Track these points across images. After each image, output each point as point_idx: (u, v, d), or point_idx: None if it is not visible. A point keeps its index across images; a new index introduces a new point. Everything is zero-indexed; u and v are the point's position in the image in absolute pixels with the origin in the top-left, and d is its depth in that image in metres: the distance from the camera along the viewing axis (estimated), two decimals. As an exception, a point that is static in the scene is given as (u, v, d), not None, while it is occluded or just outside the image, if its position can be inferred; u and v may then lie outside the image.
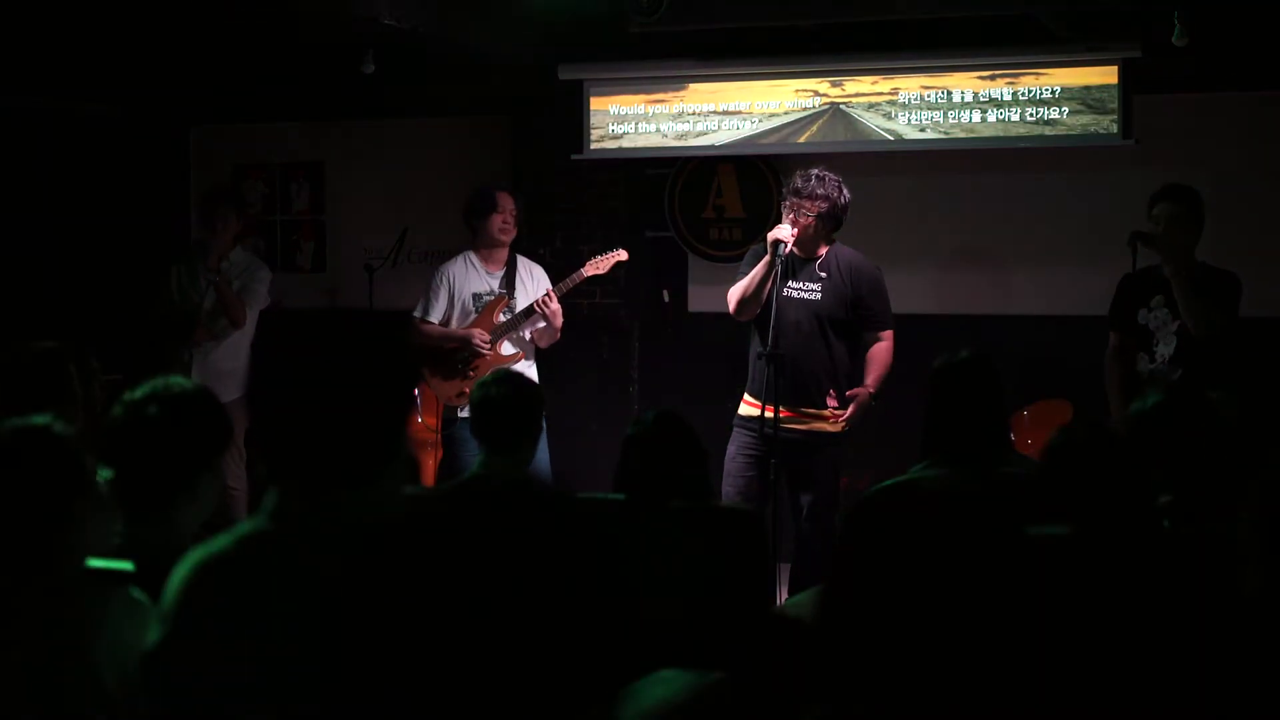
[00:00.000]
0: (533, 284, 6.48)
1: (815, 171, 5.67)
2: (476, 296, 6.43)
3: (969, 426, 3.76)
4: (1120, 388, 5.46)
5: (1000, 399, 3.82)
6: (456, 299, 6.44)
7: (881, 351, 5.67)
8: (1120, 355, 5.55)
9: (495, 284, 6.44)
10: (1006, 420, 3.91)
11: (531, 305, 6.33)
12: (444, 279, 6.48)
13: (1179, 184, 5.57)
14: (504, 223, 6.42)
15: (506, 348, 6.39)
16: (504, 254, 6.48)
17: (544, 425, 6.28)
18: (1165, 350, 5.44)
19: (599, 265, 6.45)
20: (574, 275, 6.40)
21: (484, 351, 6.33)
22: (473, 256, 6.51)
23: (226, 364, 6.69)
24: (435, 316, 6.44)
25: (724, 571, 3.69)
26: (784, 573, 5.62)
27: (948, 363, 3.85)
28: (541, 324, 6.41)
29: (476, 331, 6.35)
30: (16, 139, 7.94)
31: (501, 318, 6.38)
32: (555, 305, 6.31)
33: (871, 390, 5.60)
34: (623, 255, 6.52)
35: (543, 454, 6.16)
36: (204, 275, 6.74)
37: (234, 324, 6.69)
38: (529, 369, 6.38)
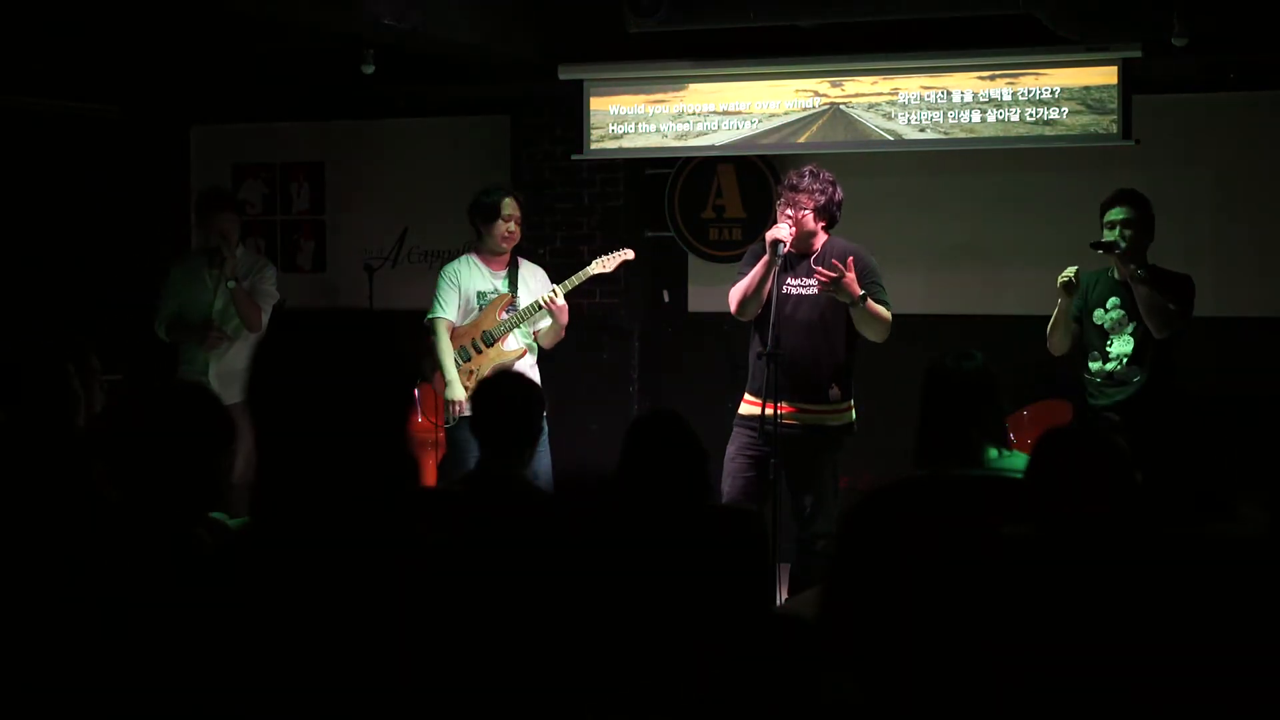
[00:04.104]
0: (535, 284, 6.48)
1: (809, 168, 5.71)
2: (480, 295, 6.43)
3: (963, 428, 3.75)
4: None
5: (995, 399, 3.81)
6: (462, 297, 6.45)
7: (879, 308, 5.60)
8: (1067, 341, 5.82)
9: (499, 283, 6.45)
10: (1003, 421, 3.90)
11: (535, 303, 6.33)
12: (452, 277, 6.49)
13: (1130, 189, 5.78)
14: (508, 231, 6.41)
15: (510, 344, 6.39)
16: (506, 255, 6.50)
17: (545, 429, 6.32)
18: (1122, 349, 5.71)
19: (605, 264, 6.45)
20: (580, 273, 6.39)
21: (482, 347, 6.34)
22: (475, 258, 6.50)
23: (242, 362, 6.70)
24: (452, 314, 6.42)
25: (724, 571, 3.69)
26: (784, 573, 5.62)
27: (940, 365, 3.84)
28: (545, 323, 6.41)
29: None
30: (16, 139, 7.94)
31: (504, 315, 6.39)
32: (561, 302, 6.31)
33: (857, 293, 5.46)
34: (629, 254, 6.52)
35: (544, 459, 6.17)
36: (219, 283, 6.68)
37: (251, 329, 6.66)
38: (531, 367, 6.38)
